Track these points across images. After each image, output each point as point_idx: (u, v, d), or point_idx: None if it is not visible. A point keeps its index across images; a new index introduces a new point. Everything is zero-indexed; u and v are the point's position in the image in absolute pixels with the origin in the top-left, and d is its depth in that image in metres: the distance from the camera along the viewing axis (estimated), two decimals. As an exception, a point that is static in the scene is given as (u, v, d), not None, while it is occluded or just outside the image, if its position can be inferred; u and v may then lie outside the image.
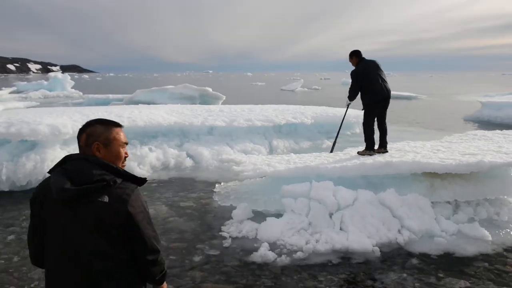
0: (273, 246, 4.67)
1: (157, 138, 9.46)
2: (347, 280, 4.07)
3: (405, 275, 4.13)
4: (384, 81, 6.13)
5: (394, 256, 4.55)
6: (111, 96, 24.61)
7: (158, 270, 1.76)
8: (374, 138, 6.35)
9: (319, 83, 66.51)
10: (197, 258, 4.50)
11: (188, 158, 8.98)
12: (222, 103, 19.49)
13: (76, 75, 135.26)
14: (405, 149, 6.57)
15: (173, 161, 8.78)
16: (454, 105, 26.19)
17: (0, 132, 7.08)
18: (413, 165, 5.28)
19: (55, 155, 7.26)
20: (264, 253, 4.48)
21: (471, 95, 32.95)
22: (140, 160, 8.34)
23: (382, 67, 6.23)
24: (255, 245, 4.74)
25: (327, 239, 4.68)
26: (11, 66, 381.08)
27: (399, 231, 4.90)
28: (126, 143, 1.81)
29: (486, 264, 4.35)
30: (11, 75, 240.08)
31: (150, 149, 8.83)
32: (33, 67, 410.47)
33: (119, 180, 1.64)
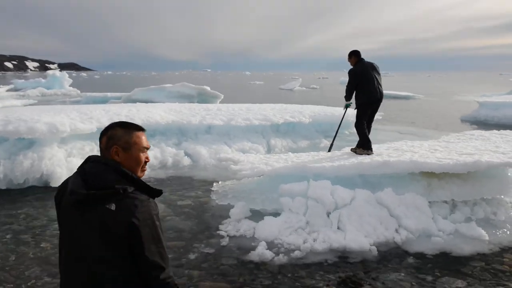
0: (270, 245, 4.67)
1: (155, 137, 9.45)
2: (344, 279, 4.08)
3: (402, 274, 4.14)
4: (379, 84, 6.25)
5: (391, 255, 4.56)
6: (109, 94, 24.50)
7: None
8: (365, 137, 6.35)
9: (318, 82, 66.53)
10: (194, 257, 4.50)
11: (186, 156, 8.98)
12: (220, 102, 19.44)
13: (74, 73, 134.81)
14: (403, 148, 6.58)
15: (171, 159, 8.77)
16: (452, 105, 26.25)
17: (-3, 130, 7.06)
18: (410, 164, 5.29)
19: (53, 153, 7.25)
20: (261, 252, 4.49)
21: (469, 95, 33.07)
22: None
23: (379, 70, 6.35)
24: (253, 244, 4.74)
25: (324, 238, 4.69)
26: (8, 64, 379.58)
27: (396, 230, 4.92)
28: (147, 148, 1.74)
29: (483, 264, 4.37)
30: (9, 72, 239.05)
31: (148, 148, 8.82)
32: (30, 65, 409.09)
33: (130, 189, 1.57)
